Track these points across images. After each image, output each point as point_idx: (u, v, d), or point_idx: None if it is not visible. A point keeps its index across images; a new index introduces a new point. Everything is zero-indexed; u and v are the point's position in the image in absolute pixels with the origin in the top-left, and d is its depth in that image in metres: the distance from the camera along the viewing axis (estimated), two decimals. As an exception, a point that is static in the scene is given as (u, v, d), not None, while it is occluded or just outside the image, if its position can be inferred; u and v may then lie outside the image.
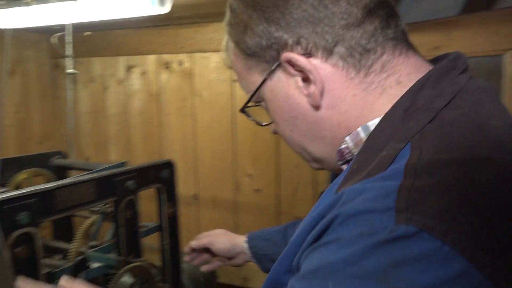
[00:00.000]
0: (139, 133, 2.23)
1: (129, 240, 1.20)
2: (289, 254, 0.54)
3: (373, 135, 0.54)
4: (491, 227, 0.38)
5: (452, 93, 0.51)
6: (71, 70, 1.82)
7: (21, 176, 1.40)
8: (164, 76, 2.13)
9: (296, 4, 0.56)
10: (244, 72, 0.65)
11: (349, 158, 0.61)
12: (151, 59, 2.16)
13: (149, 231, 1.35)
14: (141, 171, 1.26)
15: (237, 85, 2.02)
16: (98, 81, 2.32)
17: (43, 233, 1.60)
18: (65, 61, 1.65)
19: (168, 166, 1.35)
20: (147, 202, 1.43)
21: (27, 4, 1.47)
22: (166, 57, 2.12)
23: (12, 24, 1.56)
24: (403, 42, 0.58)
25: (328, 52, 0.56)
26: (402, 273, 0.37)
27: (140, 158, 2.25)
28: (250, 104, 0.68)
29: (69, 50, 1.68)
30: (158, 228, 1.36)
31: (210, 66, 2.06)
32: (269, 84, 0.62)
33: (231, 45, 0.66)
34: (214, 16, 1.93)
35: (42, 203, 0.97)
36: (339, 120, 0.59)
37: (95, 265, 1.17)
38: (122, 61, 2.24)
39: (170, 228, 1.37)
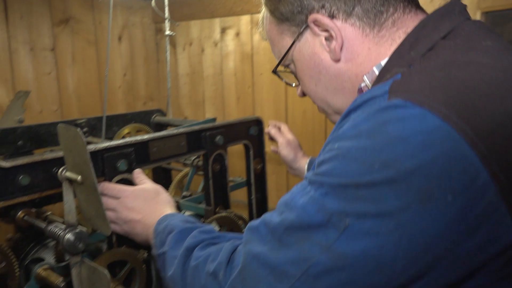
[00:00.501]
0: (233, 93, 2.29)
1: (217, 192, 1.25)
2: None
3: (384, 67, 0.65)
4: (456, 97, 0.50)
5: (449, 28, 0.61)
6: (168, 32, 1.92)
7: (125, 131, 1.54)
8: (257, 36, 2.14)
9: None
10: (277, 37, 0.77)
11: None
12: (245, 19, 2.17)
13: (237, 186, 1.40)
14: (229, 127, 1.30)
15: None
16: (195, 43, 2.42)
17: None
18: (164, 24, 1.72)
19: (256, 123, 1.37)
20: (237, 159, 1.47)
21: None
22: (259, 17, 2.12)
23: (116, -10, 1.66)
24: (413, 2, 0.68)
25: (348, 14, 0.67)
26: (388, 128, 0.50)
27: (234, 117, 2.32)
28: (280, 67, 0.80)
29: (166, 13, 1.75)
30: (246, 184, 1.40)
31: None
32: (298, 45, 0.74)
33: (267, 15, 0.77)
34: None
35: (138, 153, 1.05)
36: (356, 72, 0.70)
37: (187, 213, 1.25)
38: (217, 23, 2.29)
39: (258, 184, 1.40)
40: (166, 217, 0.85)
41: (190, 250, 0.71)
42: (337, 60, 0.70)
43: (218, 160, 1.26)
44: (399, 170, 0.48)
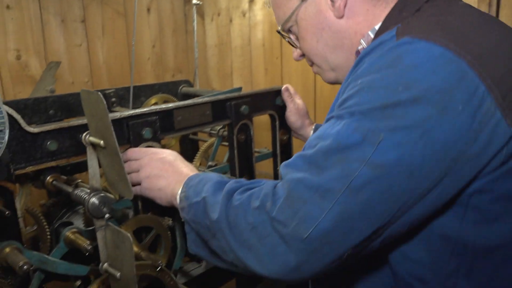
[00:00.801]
0: (261, 64, 2.26)
1: (242, 162, 1.25)
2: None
3: (379, 30, 0.76)
4: (450, 32, 0.64)
5: None
6: (195, 1, 1.89)
7: (152, 101, 1.55)
8: (286, 5, 2.08)
9: None
10: (284, 0, 0.87)
11: None
12: (273, -13, 2.11)
13: (263, 157, 1.39)
14: (255, 97, 1.28)
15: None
16: (224, 14, 2.38)
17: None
18: (191, -7, 1.70)
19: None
20: (263, 130, 1.46)
21: None
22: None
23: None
24: None
25: None
26: (403, 60, 0.61)
27: (261, 88, 2.29)
28: (283, 30, 0.91)
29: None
30: (272, 155, 1.39)
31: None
32: (304, 5, 0.85)
33: None
34: None
35: (162, 121, 1.06)
36: (355, 29, 0.81)
37: (212, 182, 1.25)
38: (245, -8, 2.24)
39: (283, 155, 1.38)
40: (198, 174, 0.87)
41: (230, 193, 0.74)
42: (340, 17, 0.81)
43: (243, 130, 1.25)
44: (419, 89, 0.59)
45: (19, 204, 0.83)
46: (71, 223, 0.94)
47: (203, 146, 1.37)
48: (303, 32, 0.88)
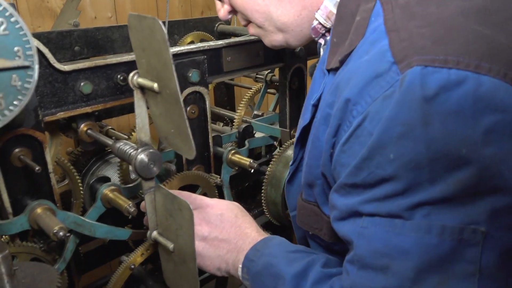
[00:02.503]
0: None
1: (294, 113, 1.09)
2: (316, 156, 0.60)
3: (341, 3, 0.59)
4: (465, 37, 0.45)
5: None
6: None
7: (188, 39, 1.37)
8: None
9: None
10: None
11: (323, 32, 0.68)
12: None
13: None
14: (311, 37, 1.10)
15: None
16: None
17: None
18: None
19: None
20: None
21: None
22: None
23: None
24: None
25: None
26: (435, 108, 0.43)
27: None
28: None
29: None
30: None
31: None
32: None
33: None
34: None
35: (211, 62, 0.89)
36: None
37: (257, 134, 1.11)
38: None
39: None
40: (259, 251, 0.67)
41: None
42: None
43: (297, 75, 1.08)
44: (480, 142, 0.42)
45: (49, 157, 0.70)
46: (107, 178, 0.81)
47: (248, 93, 1.21)
48: None
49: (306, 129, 0.67)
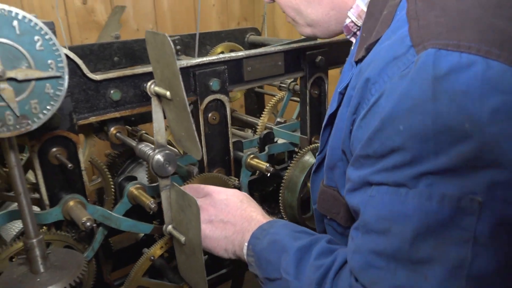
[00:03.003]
0: (333, 13, 2.06)
1: (314, 120, 1.13)
2: (338, 138, 0.65)
3: (372, 1, 0.64)
4: (478, 26, 0.49)
5: None
6: None
7: (218, 50, 1.44)
8: None
9: None
10: None
11: (355, 30, 0.73)
12: None
13: (337, 114, 1.26)
14: (332, 47, 1.13)
15: None
16: (294, -45, 2.18)
17: (236, 108, 1.68)
18: None
19: (363, 43, 1.18)
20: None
21: None
22: None
23: None
24: None
25: None
26: (444, 87, 0.46)
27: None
28: None
29: None
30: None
31: None
32: None
33: None
34: None
35: (231, 72, 0.96)
36: None
37: (280, 141, 1.16)
38: None
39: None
40: (265, 229, 0.72)
41: (319, 285, 0.60)
42: None
43: (317, 84, 1.13)
44: (485, 121, 0.45)
45: (82, 156, 0.79)
46: (135, 178, 0.89)
47: (271, 101, 1.26)
48: None
49: (333, 116, 0.70)
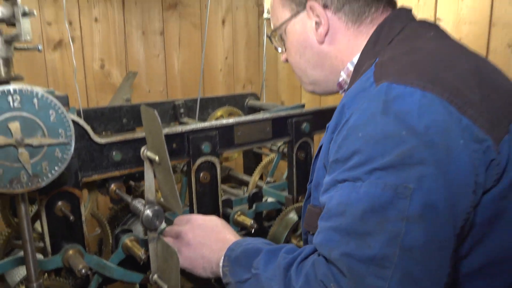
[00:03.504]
0: (330, 79, 2.22)
1: (300, 180, 1.23)
2: (321, 158, 0.79)
3: (357, 64, 0.83)
4: (422, 72, 0.67)
5: (400, 27, 0.81)
6: (267, 15, 1.91)
7: (218, 113, 1.58)
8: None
9: None
10: (280, 8, 0.92)
11: (346, 87, 0.89)
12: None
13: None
14: (317, 114, 1.26)
15: (441, 24, 1.77)
16: (296, 27, 2.38)
17: (233, 166, 1.79)
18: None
19: (347, 111, 1.30)
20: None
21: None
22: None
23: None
24: (390, 1, 0.87)
25: (338, 9, 0.84)
26: (393, 106, 0.64)
27: (329, 101, 2.25)
28: (274, 33, 0.96)
29: (265, -5, 1.74)
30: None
31: (411, 4, 1.85)
32: (293, 21, 0.90)
33: None
34: None
35: (222, 136, 1.08)
36: (336, 54, 0.88)
37: (269, 199, 1.25)
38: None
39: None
40: (239, 243, 0.84)
41: (286, 270, 0.72)
42: (321, 43, 0.87)
43: (303, 148, 1.24)
44: (421, 133, 0.61)
45: (84, 210, 0.89)
46: (130, 231, 0.99)
47: (263, 162, 1.37)
48: (289, 44, 0.94)
49: (321, 147, 0.84)
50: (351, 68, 0.86)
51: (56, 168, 0.69)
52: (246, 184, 1.53)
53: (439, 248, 0.61)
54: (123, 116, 1.47)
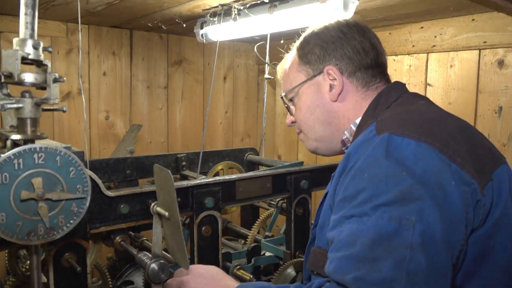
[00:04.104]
0: (326, 136, 2.30)
1: (298, 236, 1.27)
2: (328, 201, 0.87)
3: (359, 124, 0.94)
4: (417, 127, 0.77)
5: (396, 96, 0.94)
6: (267, 76, 2.02)
7: (218, 167, 1.64)
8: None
9: (344, 46, 0.98)
10: (294, 73, 1.04)
11: (348, 144, 0.99)
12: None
13: (320, 231, 1.39)
14: (315, 172, 1.31)
15: (432, 90, 1.88)
16: (294, 85, 2.50)
17: (230, 217, 1.82)
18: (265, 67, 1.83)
19: (343, 169, 1.36)
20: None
21: (235, 19, 1.70)
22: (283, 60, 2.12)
23: (222, 37, 1.82)
24: (387, 76, 1.03)
25: (350, 75, 0.98)
26: (393, 152, 0.74)
27: (325, 159, 2.32)
28: (286, 97, 1.07)
29: (267, 57, 1.86)
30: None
31: (403, 70, 1.97)
32: (308, 82, 1.01)
33: (293, 57, 1.05)
34: (408, 18, 1.83)
35: (224, 192, 1.12)
36: (343, 113, 0.99)
37: (267, 253, 1.28)
38: (316, 66, 2.35)
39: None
40: (244, 285, 0.87)
41: None
42: (334, 101, 0.98)
43: (301, 204, 1.28)
44: (418, 174, 0.71)
45: (89, 260, 0.92)
46: (132, 282, 1.01)
47: (262, 216, 1.41)
48: (301, 103, 1.03)
49: (326, 194, 0.91)
50: (354, 128, 0.97)
51: (71, 221, 0.73)
52: (244, 237, 1.56)
53: (440, 274, 0.68)
54: (127, 168, 1.52)
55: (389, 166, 0.72)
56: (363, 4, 1.56)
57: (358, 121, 0.96)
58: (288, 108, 1.10)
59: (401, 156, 0.73)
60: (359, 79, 0.98)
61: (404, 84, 1.00)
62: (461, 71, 1.80)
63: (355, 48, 0.98)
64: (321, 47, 0.99)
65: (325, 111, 1.00)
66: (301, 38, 1.05)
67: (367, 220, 0.70)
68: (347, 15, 1.29)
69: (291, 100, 1.07)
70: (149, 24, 2.01)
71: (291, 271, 1.16)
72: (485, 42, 1.71)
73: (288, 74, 1.06)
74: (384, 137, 0.76)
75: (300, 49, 1.03)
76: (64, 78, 0.76)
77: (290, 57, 1.08)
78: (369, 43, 0.99)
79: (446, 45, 1.84)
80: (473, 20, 1.73)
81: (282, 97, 1.10)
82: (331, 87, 0.98)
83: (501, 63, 1.70)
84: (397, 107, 0.91)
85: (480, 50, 1.75)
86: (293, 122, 1.10)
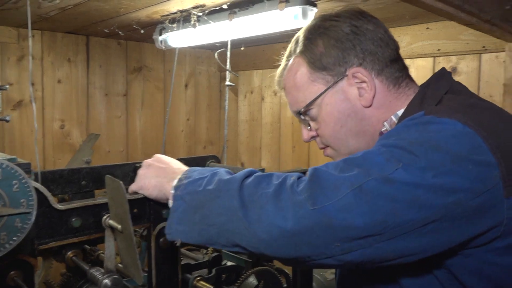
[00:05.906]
0: (289, 142, 2.31)
1: (260, 244, 1.25)
2: None
3: (402, 115, 0.83)
4: (469, 113, 0.72)
5: (447, 87, 0.84)
6: (228, 83, 2.01)
7: (179, 175, 1.60)
8: (315, 87, 2.17)
9: (362, 41, 0.86)
10: (307, 84, 0.89)
11: None
12: (303, 70, 2.22)
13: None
14: (276, 179, 1.31)
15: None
16: (256, 92, 2.50)
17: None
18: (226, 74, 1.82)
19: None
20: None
21: (194, 26, 1.68)
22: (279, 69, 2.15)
23: (182, 43, 1.80)
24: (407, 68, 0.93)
25: (378, 73, 0.86)
26: (429, 127, 0.70)
27: (288, 166, 2.33)
28: (301, 111, 0.91)
29: (228, 64, 1.85)
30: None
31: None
32: (330, 91, 0.87)
33: (298, 65, 0.90)
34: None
35: (183, 201, 1.09)
36: (378, 118, 0.87)
37: (228, 263, 1.26)
38: (277, 73, 2.36)
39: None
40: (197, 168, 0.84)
41: (245, 177, 0.74)
42: (368, 107, 0.86)
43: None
44: (439, 144, 0.67)
45: (38, 278, 0.86)
46: (86, 299, 0.96)
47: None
48: (326, 116, 0.89)
49: None
50: (395, 119, 0.86)
51: (14, 238, 0.69)
52: (205, 247, 1.52)
53: (390, 213, 0.64)
54: (82, 179, 1.45)
55: (416, 132, 0.70)
56: (322, 13, 1.58)
57: (400, 112, 0.84)
58: (305, 124, 0.95)
59: (435, 129, 0.69)
60: (388, 77, 0.86)
61: (450, 73, 0.89)
62: (417, 78, 1.85)
63: (374, 41, 0.85)
64: (336, 47, 0.85)
65: (357, 120, 0.86)
66: (302, 40, 0.90)
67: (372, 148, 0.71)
68: (306, 22, 1.31)
69: (306, 113, 0.91)
70: (106, 30, 1.96)
71: (252, 280, 1.14)
72: (439, 49, 1.77)
73: (298, 86, 0.90)
74: (430, 116, 0.71)
75: (308, 53, 0.88)
76: (7, 86, 0.71)
77: (292, 64, 0.92)
78: (383, 31, 0.87)
79: (402, 52, 1.88)
80: (427, 28, 1.79)
81: (297, 113, 0.93)
82: (359, 91, 0.85)
83: (454, 70, 1.76)
84: (452, 101, 0.80)
85: (434, 57, 1.82)
86: (312, 138, 0.95)
